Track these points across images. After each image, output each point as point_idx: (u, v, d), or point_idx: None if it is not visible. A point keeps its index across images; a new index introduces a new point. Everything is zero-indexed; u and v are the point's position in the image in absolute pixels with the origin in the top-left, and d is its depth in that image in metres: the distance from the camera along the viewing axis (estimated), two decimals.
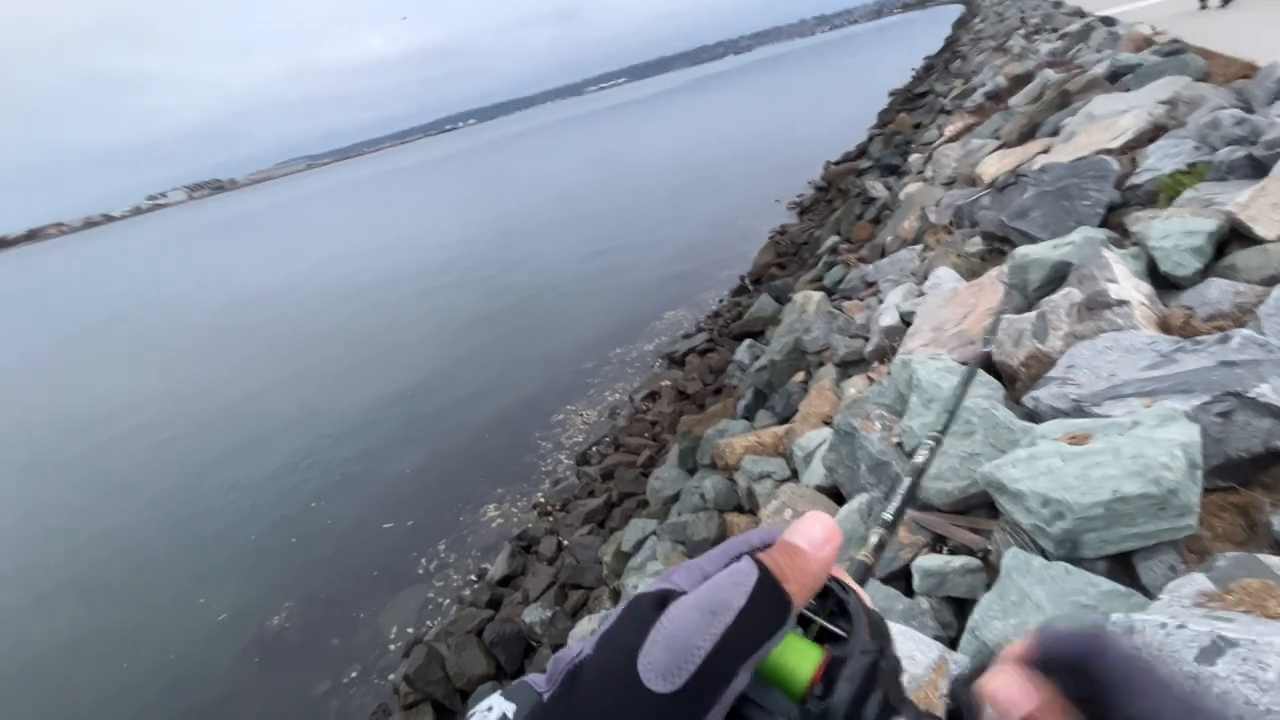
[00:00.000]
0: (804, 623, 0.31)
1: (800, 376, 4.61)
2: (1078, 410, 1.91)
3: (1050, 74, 6.91)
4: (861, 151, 14.65)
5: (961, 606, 1.92)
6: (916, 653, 1.30)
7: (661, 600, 0.28)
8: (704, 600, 0.27)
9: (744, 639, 0.26)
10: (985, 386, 2.29)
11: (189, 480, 9.02)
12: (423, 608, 5.59)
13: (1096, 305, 2.22)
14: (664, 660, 0.25)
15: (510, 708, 0.29)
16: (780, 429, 3.82)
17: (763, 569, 0.28)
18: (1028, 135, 5.44)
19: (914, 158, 9.45)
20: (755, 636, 0.26)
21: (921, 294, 3.96)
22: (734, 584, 0.27)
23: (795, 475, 3.29)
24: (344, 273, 22.08)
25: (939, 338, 2.95)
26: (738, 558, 0.30)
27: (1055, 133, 4.99)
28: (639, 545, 3.99)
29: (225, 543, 7.25)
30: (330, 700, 4.89)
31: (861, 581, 0.69)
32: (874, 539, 0.64)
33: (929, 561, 1.92)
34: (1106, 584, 1.40)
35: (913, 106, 16.28)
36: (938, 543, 2.11)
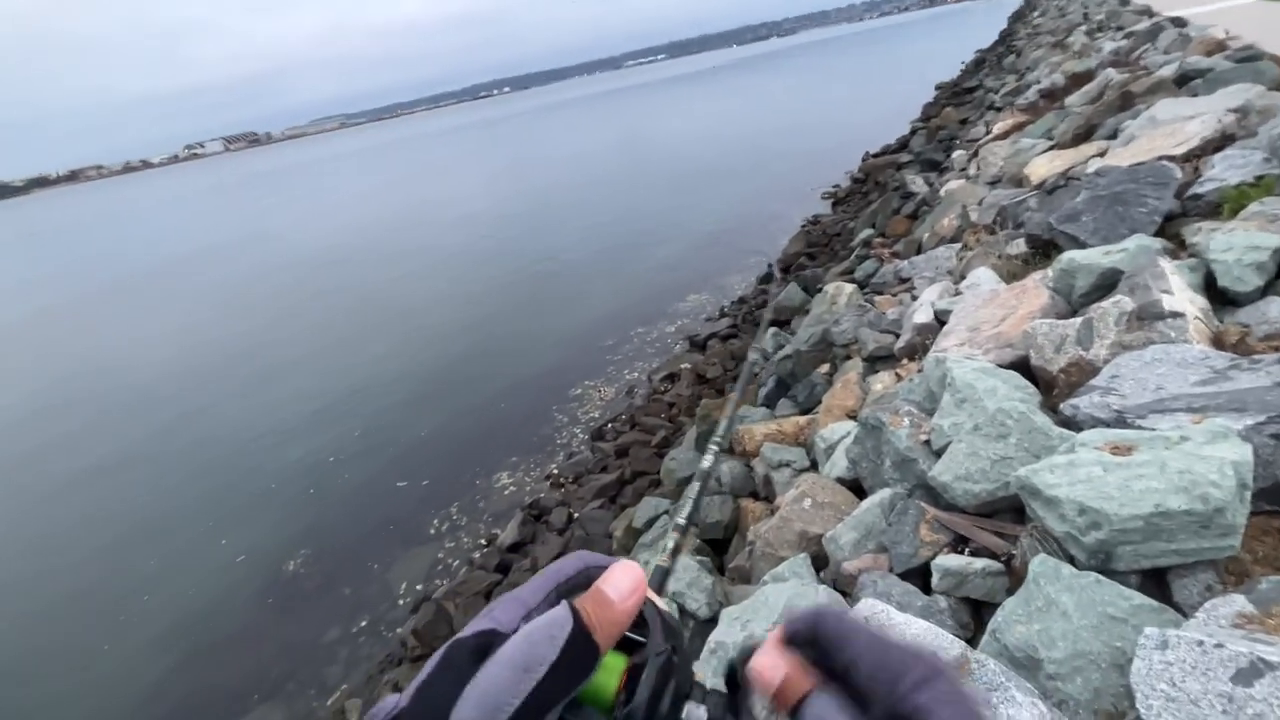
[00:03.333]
0: None
1: (825, 368, 4.56)
2: (1119, 421, 1.85)
3: (1113, 74, 6.62)
4: (902, 145, 14.28)
5: (979, 608, 1.90)
6: (939, 650, 1.29)
7: (481, 648, 0.30)
8: (518, 656, 0.29)
9: (553, 690, 0.28)
10: (1021, 390, 2.23)
11: (216, 427, 9.28)
12: (432, 566, 5.72)
13: (1148, 316, 2.14)
14: (474, 718, 0.27)
15: None
16: (802, 419, 3.79)
17: (576, 620, 0.30)
18: (1083, 136, 5.24)
19: (958, 154, 9.18)
20: (564, 686, 0.29)
21: (958, 293, 3.86)
22: (548, 637, 0.29)
23: (815, 466, 3.27)
24: (374, 236, 22.28)
25: (975, 338, 2.89)
26: (559, 588, 0.34)
27: (1114, 135, 4.79)
28: (650, 523, 4.02)
29: (248, 489, 7.46)
30: (339, 647, 5.05)
31: (660, 585, 0.73)
32: (670, 543, 0.66)
33: (949, 561, 1.90)
34: (1139, 598, 1.36)
35: (960, 101, 15.76)
36: (959, 543, 2.08)
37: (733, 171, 19.86)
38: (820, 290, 6.24)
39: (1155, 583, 1.49)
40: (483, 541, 5.86)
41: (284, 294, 16.20)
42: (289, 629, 5.34)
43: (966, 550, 2.01)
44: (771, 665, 0.34)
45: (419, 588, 5.47)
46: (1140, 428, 1.77)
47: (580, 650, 0.30)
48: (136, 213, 64.07)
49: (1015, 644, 1.43)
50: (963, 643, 1.36)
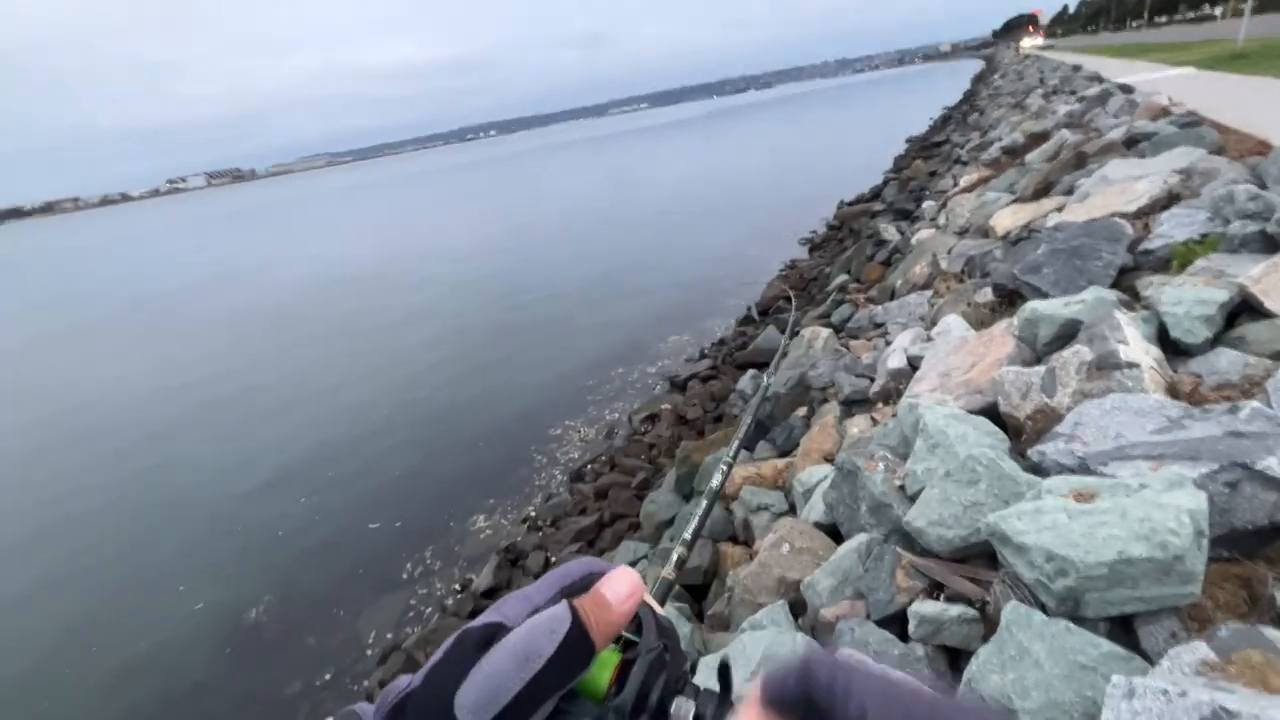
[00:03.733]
0: None
1: (803, 411, 4.62)
2: (1083, 468, 1.91)
3: (1067, 134, 7.04)
4: (875, 194, 14.86)
5: (955, 656, 1.90)
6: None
7: (487, 637, 0.32)
8: (520, 647, 0.31)
9: (550, 681, 0.30)
10: (991, 436, 2.30)
11: (177, 467, 8.97)
12: (403, 614, 5.51)
13: (1106, 365, 2.24)
14: (476, 700, 0.29)
15: None
16: (780, 462, 3.81)
17: (575, 618, 0.32)
18: (1042, 192, 5.53)
19: (928, 204, 9.58)
20: (560, 678, 0.31)
21: (929, 339, 3.98)
22: (548, 631, 0.31)
23: (793, 509, 3.28)
24: (354, 272, 22.23)
25: (946, 384, 2.97)
26: (564, 589, 0.36)
27: (1070, 192, 5.07)
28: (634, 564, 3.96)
29: (210, 531, 7.18)
30: (301, 701, 4.80)
31: (664, 595, 0.77)
32: (675, 556, 0.70)
33: (925, 608, 1.91)
34: (1107, 645, 1.39)
35: (929, 154, 16.54)
36: (935, 589, 2.10)
37: (713, 216, 20.40)
38: (797, 334, 6.37)
39: (1123, 629, 1.52)
40: (457, 587, 5.69)
41: (257, 330, 15.97)
42: (249, 681, 5.07)
43: (942, 596, 2.03)
44: None
45: (388, 636, 5.26)
46: (1102, 474, 1.83)
47: (577, 646, 0.32)
48: (109, 246, 63.15)
49: (990, 693, 1.43)
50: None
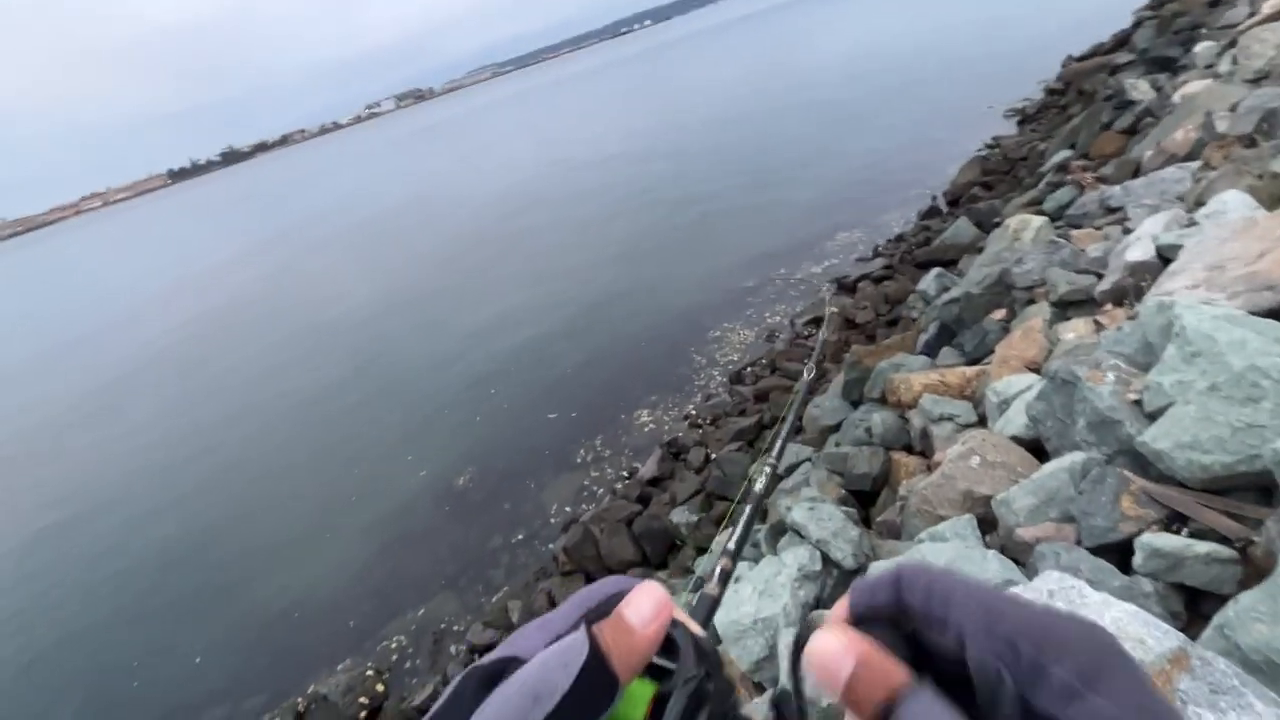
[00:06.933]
0: None
1: (1001, 314, 4.03)
2: None
3: None
4: (1120, 42, 11.64)
5: (1195, 598, 1.62)
6: (1148, 638, 1.11)
7: (493, 675, 0.28)
8: (530, 684, 0.26)
9: None
10: None
11: (398, 362, 10.66)
12: (579, 491, 6.18)
13: None
14: None
15: None
16: (970, 370, 3.41)
17: (593, 646, 0.28)
18: None
19: (1203, 47, 7.28)
20: (580, 717, 0.26)
21: (1193, 223, 3.16)
22: (562, 664, 0.27)
23: (983, 421, 2.95)
24: (520, 184, 23.41)
25: (1216, 279, 2.35)
26: (588, 614, 0.31)
27: None
28: (792, 469, 3.94)
29: (426, 415, 8.53)
30: (501, 554, 5.73)
31: (707, 614, 0.67)
32: (718, 570, 0.58)
33: (1161, 541, 1.63)
34: None
35: None
36: (1173, 522, 1.77)
37: (895, 93, 17.73)
38: (999, 224, 5.46)
39: None
40: (624, 473, 6.19)
41: (445, 240, 17.82)
42: (461, 534, 6.15)
43: (1184, 530, 1.71)
44: (836, 654, 0.27)
45: (568, 509, 5.96)
46: None
47: (596, 679, 0.27)
48: (334, 171, 73.54)
49: (1252, 645, 1.20)
50: (1180, 634, 1.16)
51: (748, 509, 0.74)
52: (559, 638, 0.30)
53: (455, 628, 5.09)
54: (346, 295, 15.32)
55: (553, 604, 4.65)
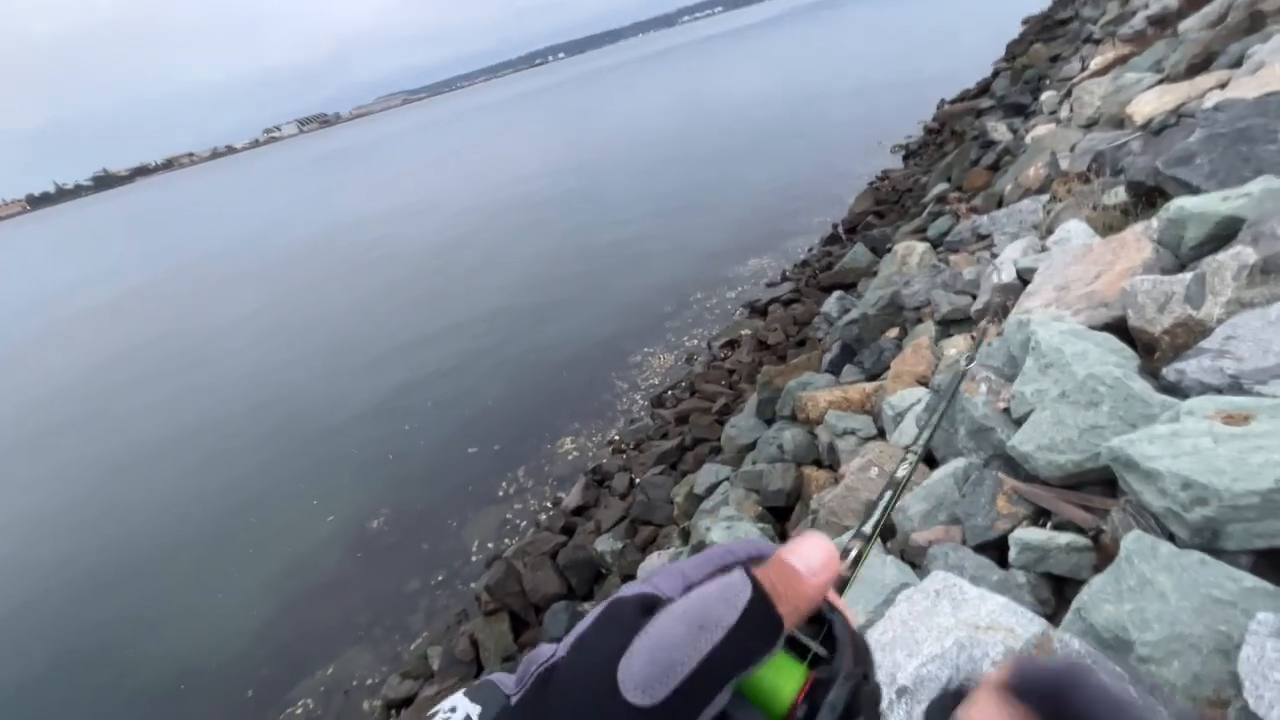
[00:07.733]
0: (788, 639, 0.29)
1: (894, 332, 4.36)
2: (1234, 387, 1.67)
3: None
4: (983, 89, 13.15)
5: (1060, 585, 1.80)
6: (1017, 626, 1.23)
7: (645, 606, 0.27)
8: (693, 613, 0.26)
9: (731, 658, 0.25)
10: (1117, 354, 2.05)
11: (302, 401, 9.98)
12: (502, 526, 5.99)
13: (1275, 269, 1.90)
14: (645, 673, 0.24)
15: (475, 709, 0.27)
16: (869, 386, 3.65)
17: (756, 587, 0.26)
18: (1200, 67, 4.65)
19: (1047, 95, 8.36)
20: (743, 657, 0.25)
21: (1044, 249, 3.57)
22: (725, 599, 0.26)
23: (882, 434, 3.16)
24: (433, 207, 22.87)
25: (1063, 298, 2.67)
26: (726, 569, 0.29)
27: (1238, 63, 4.22)
28: (712, 489, 4.03)
29: (334, 456, 8.01)
30: (419, 598, 5.42)
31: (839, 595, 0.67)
32: (852, 553, 0.63)
33: (1030, 535, 1.80)
34: (1250, 580, 1.25)
35: (1051, 36, 14.27)
36: (1039, 516, 1.97)
37: (796, 129, 18.99)
38: (889, 250, 5.94)
39: (1271, 565, 1.36)
40: (548, 504, 6.07)
41: (349, 264, 17.01)
42: (374, 580, 5.77)
43: (1048, 524, 1.90)
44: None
45: (490, 545, 5.75)
46: (1260, 394, 1.59)
47: (762, 618, 0.26)
48: (227, 197, 68.51)
49: (1103, 624, 1.34)
50: (1043, 620, 1.29)
51: (889, 493, 0.74)
52: (692, 585, 0.28)
53: (369, 681, 4.74)
54: (236, 328, 14.22)
55: (475, 647, 4.44)
